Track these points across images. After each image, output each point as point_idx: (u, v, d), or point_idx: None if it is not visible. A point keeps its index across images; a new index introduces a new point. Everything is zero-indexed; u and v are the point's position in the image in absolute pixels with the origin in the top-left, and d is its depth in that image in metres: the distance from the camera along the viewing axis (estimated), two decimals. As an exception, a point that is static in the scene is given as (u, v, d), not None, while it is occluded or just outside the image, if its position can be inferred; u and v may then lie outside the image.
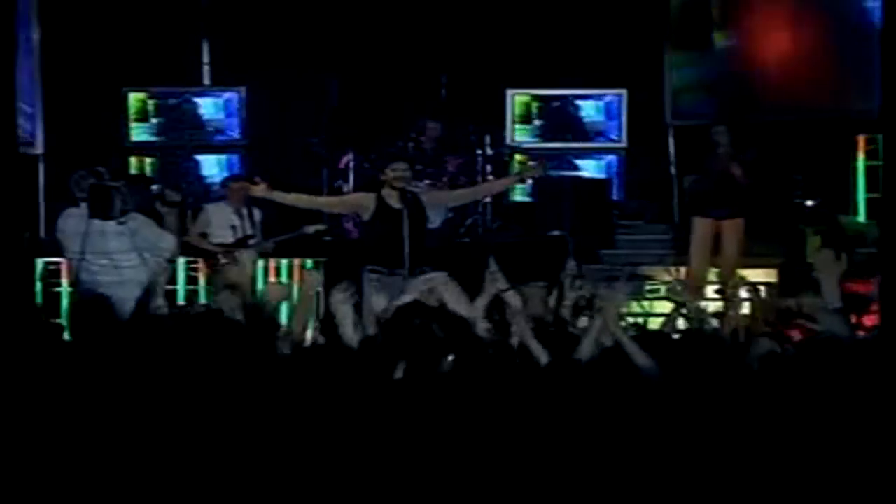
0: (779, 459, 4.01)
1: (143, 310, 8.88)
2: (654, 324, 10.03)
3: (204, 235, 13.30)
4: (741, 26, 16.15)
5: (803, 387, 4.22)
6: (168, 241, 11.52)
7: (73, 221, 11.30)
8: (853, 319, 9.83)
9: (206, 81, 16.69)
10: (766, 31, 16.02)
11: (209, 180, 15.81)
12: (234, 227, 13.26)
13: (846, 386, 4.19)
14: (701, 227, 13.85)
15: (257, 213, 13.32)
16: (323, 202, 12.12)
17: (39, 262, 13.76)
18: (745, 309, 9.70)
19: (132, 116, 16.26)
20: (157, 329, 5.17)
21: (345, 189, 15.32)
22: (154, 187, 14.86)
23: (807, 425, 4.05)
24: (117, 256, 11.01)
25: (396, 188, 10.92)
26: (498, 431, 4.15)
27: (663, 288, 13.84)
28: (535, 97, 16.47)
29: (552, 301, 8.84)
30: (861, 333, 7.85)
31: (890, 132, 12.67)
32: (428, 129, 15.00)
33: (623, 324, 4.72)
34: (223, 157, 16.18)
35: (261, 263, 13.54)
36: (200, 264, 13.70)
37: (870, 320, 9.73)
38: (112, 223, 11.01)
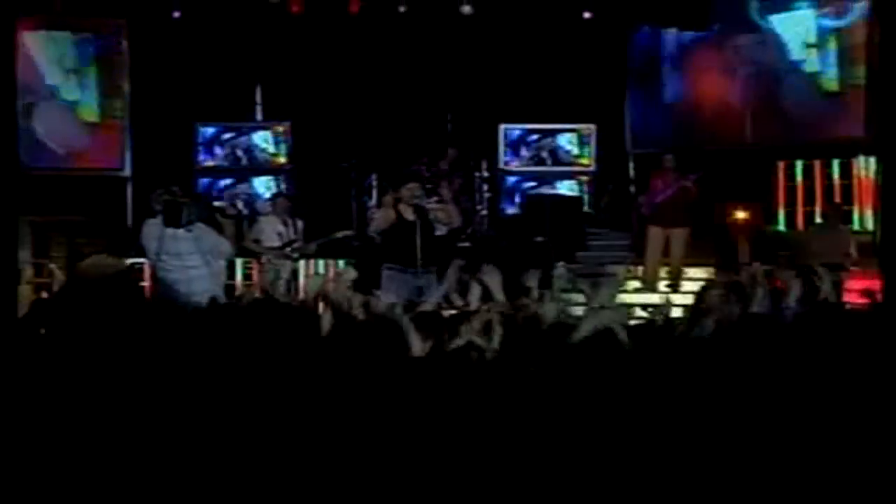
0: (719, 427, 3.74)
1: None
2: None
3: (257, 241, 13.25)
4: (685, 76, 16.09)
5: (740, 357, 4.08)
6: (225, 245, 11.50)
7: (152, 229, 11.27)
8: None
9: (259, 117, 16.69)
10: (704, 80, 15.96)
11: (261, 197, 15.70)
12: (280, 234, 13.25)
13: (776, 356, 4.06)
14: (654, 234, 13.93)
15: (300, 223, 13.21)
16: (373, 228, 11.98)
17: (127, 262, 13.66)
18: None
19: (201, 146, 16.22)
20: (219, 313, 4.99)
21: (369, 203, 15.34)
22: (216, 203, 14.91)
23: (742, 392, 3.83)
24: (185, 257, 10.97)
25: (410, 204, 10.93)
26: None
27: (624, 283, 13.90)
28: (522, 131, 16.47)
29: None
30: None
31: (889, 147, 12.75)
32: (448, 155, 15.10)
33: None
34: (272, 178, 16.13)
35: (302, 263, 13.40)
36: (254, 264, 13.57)
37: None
38: (181, 230, 10.99)
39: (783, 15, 15.36)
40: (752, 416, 3.70)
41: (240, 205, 15.90)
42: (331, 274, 13.21)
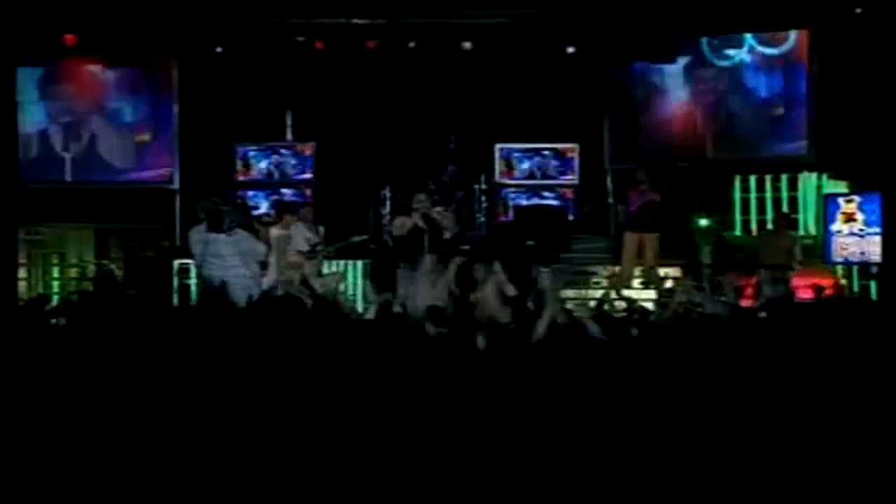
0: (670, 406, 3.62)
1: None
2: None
3: None
4: (654, 102, 16.00)
5: (697, 346, 4.01)
6: (261, 248, 11.47)
7: (197, 234, 11.28)
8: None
9: (289, 138, 16.59)
10: (671, 105, 15.90)
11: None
12: (307, 239, 13.20)
13: (733, 347, 3.97)
14: (629, 239, 13.79)
15: (321, 229, 13.13)
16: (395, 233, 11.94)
17: (176, 263, 13.72)
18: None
19: (239, 162, 16.23)
20: (255, 306, 5.01)
21: (382, 212, 15.32)
22: (253, 212, 14.93)
23: (708, 374, 3.75)
24: (226, 258, 10.97)
25: (420, 212, 10.99)
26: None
27: (604, 281, 13.90)
28: (515, 150, 16.39)
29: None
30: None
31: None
32: (448, 170, 15.03)
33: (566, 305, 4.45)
34: (299, 190, 15.99)
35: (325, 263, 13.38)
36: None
37: (745, 302, 9.66)
38: (223, 235, 10.98)
39: (734, 50, 15.45)
40: (717, 395, 3.60)
41: (271, 213, 15.90)
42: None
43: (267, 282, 11.01)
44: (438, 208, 12.62)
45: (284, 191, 16.01)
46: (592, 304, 4.56)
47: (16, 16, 13.44)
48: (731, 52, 15.44)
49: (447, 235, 10.94)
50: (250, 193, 16.02)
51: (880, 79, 13.69)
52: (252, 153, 16.26)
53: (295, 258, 11.22)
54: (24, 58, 15.09)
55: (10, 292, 11.64)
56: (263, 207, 15.88)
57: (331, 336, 4.01)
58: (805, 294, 11.43)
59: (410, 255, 10.66)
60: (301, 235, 13.26)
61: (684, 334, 4.20)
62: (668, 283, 12.76)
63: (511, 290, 4.31)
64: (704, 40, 15.52)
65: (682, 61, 15.64)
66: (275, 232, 11.43)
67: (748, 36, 15.24)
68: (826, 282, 12.95)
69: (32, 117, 15.44)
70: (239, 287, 9.71)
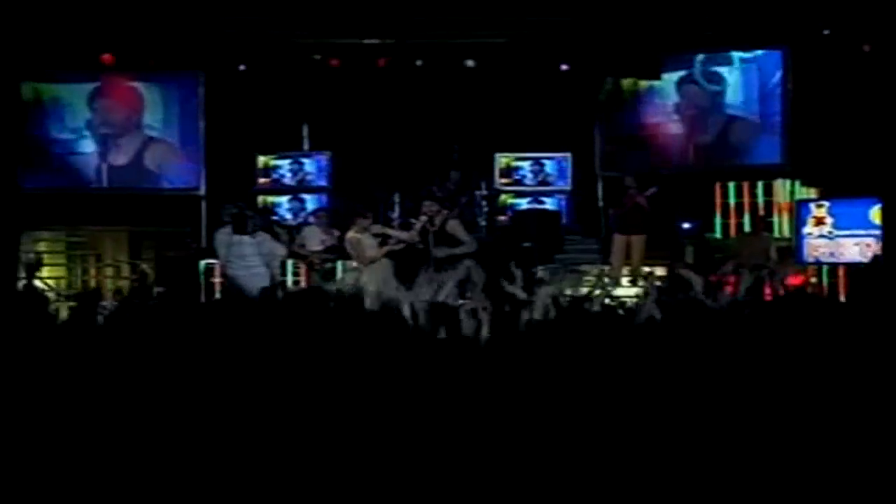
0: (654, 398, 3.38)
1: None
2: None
3: (302, 246, 13.23)
4: (642, 115, 16.03)
5: (678, 336, 3.91)
6: (281, 249, 11.56)
7: (222, 237, 11.35)
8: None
9: (306, 148, 16.57)
10: (657, 118, 15.93)
11: (306, 211, 15.69)
12: (322, 241, 13.27)
13: (715, 334, 3.91)
14: (618, 241, 13.80)
15: (335, 232, 13.09)
16: (406, 237, 11.87)
17: (202, 263, 13.80)
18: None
19: (260, 170, 16.28)
20: (274, 301, 5.02)
21: (392, 216, 15.31)
22: (274, 217, 14.99)
23: (688, 363, 3.57)
24: (249, 259, 11.03)
25: (428, 216, 10.99)
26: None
27: (594, 279, 13.88)
28: (513, 158, 16.47)
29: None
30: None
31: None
32: (452, 177, 14.99)
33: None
34: (316, 196, 16.00)
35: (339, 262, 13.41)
36: (301, 265, 13.56)
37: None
38: (247, 237, 11.07)
39: (717, 68, 15.51)
40: (698, 382, 3.44)
41: (289, 217, 15.97)
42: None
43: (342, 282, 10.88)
44: (444, 212, 12.69)
45: (303, 196, 16.05)
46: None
47: (21, 31, 13.62)
48: (714, 69, 15.48)
49: (463, 249, 10.70)
50: (270, 199, 16.05)
51: (847, 95, 13.91)
52: (272, 162, 16.27)
53: (373, 252, 11.07)
54: (72, 75, 15.30)
55: (9, 292, 11.67)
56: (284, 212, 15.95)
57: (343, 329, 3.95)
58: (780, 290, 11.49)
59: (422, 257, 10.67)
60: (317, 237, 13.34)
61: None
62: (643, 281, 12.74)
63: (521, 293, 4.33)
64: (689, 58, 15.54)
65: (668, 77, 15.66)
66: (349, 235, 11.37)
67: (735, 55, 15.29)
68: (798, 280, 13.05)
69: (74, 129, 15.53)
70: (259, 285, 9.84)
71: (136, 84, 15.60)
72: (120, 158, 15.63)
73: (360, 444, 3.21)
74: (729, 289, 10.37)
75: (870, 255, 13.16)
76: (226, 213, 11.53)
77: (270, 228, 12.14)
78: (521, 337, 3.88)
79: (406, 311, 4.10)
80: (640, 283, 13.24)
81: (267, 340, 3.78)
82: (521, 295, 4.38)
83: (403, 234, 11.51)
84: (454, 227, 10.85)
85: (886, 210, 13.23)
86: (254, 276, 10.81)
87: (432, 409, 3.32)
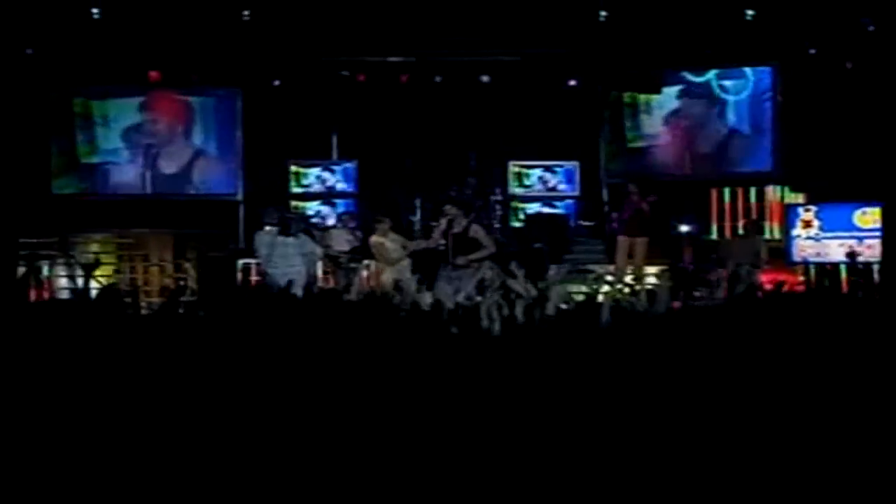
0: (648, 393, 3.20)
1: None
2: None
3: (328, 247, 13.14)
4: (642, 125, 15.91)
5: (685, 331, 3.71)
6: (318, 250, 11.62)
7: (264, 238, 11.37)
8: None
9: (335, 156, 16.58)
10: (657, 129, 15.89)
11: (333, 215, 15.69)
12: (349, 242, 13.28)
13: (710, 331, 3.71)
14: (622, 243, 13.67)
15: (359, 234, 13.08)
16: (426, 245, 11.79)
17: (239, 262, 13.85)
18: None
19: (292, 178, 16.28)
20: (311, 299, 4.96)
21: (413, 220, 15.40)
22: (312, 220, 15.01)
23: (686, 357, 3.39)
24: (290, 258, 11.06)
25: (448, 219, 10.89)
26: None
27: (602, 277, 13.86)
28: (525, 166, 16.48)
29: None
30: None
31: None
32: (469, 183, 15.09)
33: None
34: (343, 201, 16.07)
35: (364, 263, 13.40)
36: (329, 265, 13.53)
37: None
38: (291, 238, 11.12)
39: (721, 83, 15.51)
40: (696, 378, 3.27)
41: (318, 220, 16.00)
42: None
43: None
44: (461, 214, 12.62)
45: (336, 201, 16.13)
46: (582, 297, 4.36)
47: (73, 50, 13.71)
48: (711, 84, 15.49)
49: (483, 252, 10.52)
50: (302, 204, 16.14)
51: (832, 108, 14.12)
52: (303, 170, 16.29)
53: (397, 255, 11.04)
54: (120, 90, 15.45)
55: (9, 291, 11.68)
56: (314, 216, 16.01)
57: (364, 326, 3.76)
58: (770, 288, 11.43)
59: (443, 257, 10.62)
60: (343, 239, 13.37)
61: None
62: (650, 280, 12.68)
63: (532, 291, 4.28)
64: (688, 74, 15.56)
65: (668, 91, 15.67)
66: (372, 239, 11.34)
67: (731, 71, 15.30)
68: (789, 279, 13.01)
69: (120, 139, 15.62)
70: (298, 283, 9.85)
71: (186, 98, 15.69)
72: (168, 167, 15.71)
73: (393, 435, 3.07)
74: (724, 287, 10.36)
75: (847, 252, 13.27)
76: (269, 216, 11.55)
77: (309, 230, 12.14)
78: (536, 332, 3.77)
79: (426, 307, 4.04)
80: (641, 282, 13.23)
81: (318, 333, 3.59)
82: (534, 293, 4.28)
83: (424, 243, 11.49)
84: (477, 231, 10.71)
85: (887, 210, 13.25)
86: (293, 275, 10.81)
87: (451, 403, 3.17)
